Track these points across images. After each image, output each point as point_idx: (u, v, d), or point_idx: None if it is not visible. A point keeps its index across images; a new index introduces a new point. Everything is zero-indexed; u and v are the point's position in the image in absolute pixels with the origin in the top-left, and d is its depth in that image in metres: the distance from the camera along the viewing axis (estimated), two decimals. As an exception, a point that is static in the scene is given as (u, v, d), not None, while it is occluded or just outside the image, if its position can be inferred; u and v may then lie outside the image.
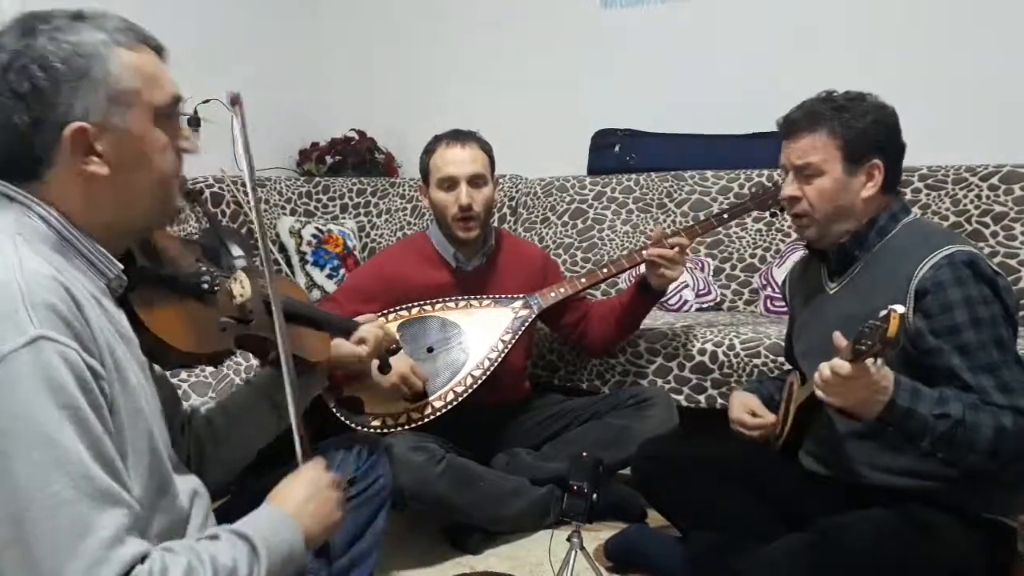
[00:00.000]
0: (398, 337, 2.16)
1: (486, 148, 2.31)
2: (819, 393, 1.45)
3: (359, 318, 1.61)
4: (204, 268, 1.20)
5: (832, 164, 1.65)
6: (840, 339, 1.42)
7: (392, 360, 2.08)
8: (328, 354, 1.45)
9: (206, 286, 1.18)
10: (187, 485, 1.08)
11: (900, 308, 1.29)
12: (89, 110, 0.97)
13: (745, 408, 1.86)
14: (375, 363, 2.06)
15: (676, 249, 2.22)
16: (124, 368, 0.96)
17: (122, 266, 1.03)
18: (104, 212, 1.01)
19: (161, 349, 1.08)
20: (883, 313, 1.29)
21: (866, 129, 1.63)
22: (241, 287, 1.22)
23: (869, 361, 1.37)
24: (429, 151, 2.31)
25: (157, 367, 1.20)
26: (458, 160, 2.24)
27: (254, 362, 1.88)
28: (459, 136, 2.29)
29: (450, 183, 2.24)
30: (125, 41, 1.01)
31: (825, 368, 1.42)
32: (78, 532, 0.83)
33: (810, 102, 1.69)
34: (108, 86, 0.98)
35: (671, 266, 2.22)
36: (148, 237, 1.14)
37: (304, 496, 1.09)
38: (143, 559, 0.86)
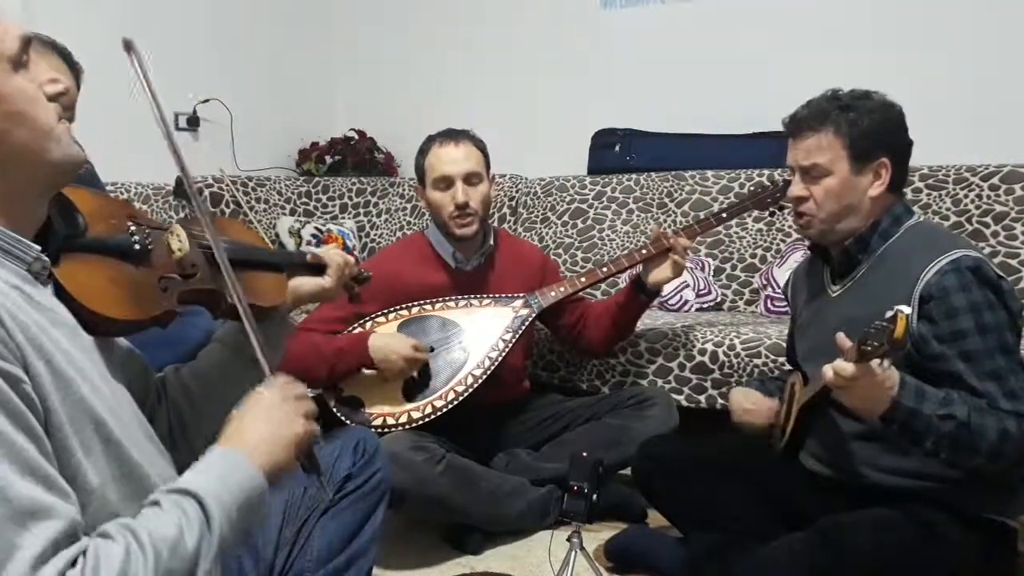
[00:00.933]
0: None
1: (480, 146, 2.30)
2: (831, 384, 1.44)
3: (318, 250, 1.53)
4: (134, 226, 1.10)
5: (839, 164, 1.63)
6: (844, 340, 1.41)
7: (392, 343, 2.09)
8: (284, 296, 1.36)
9: (138, 246, 1.08)
10: (160, 468, 1.01)
11: (906, 309, 1.28)
12: None
13: (747, 398, 1.88)
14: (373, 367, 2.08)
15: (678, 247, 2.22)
16: (57, 362, 0.88)
17: (39, 247, 0.94)
18: (1, 189, 0.91)
19: (99, 321, 0.99)
20: (889, 314, 1.29)
21: (872, 127, 1.62)
22: (178, 240, 1.14)
23: (875, 362, 1.36)
24: (423, 151, 2.30)
25: (124, 345, 1.15)
26: (452, 159, 2.24)
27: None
28: (452, 135, 2.28)
29: (446, 182, 2.23)
30: None
31: (828, 370, 1.42)
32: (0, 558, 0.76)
33: (816, 100, 1.68)
34: None
35: (673, 265, 2.22)
36: (66, 201, 1.04)
37: (252, 424, 1.00)
38: (74, 563, 0.80)
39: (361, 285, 1.58)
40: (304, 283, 1.43)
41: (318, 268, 1.46)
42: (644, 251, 2.28)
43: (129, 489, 0.94)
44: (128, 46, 1.06)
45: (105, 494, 0.90)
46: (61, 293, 0.98)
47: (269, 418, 1.01)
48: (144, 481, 0.96)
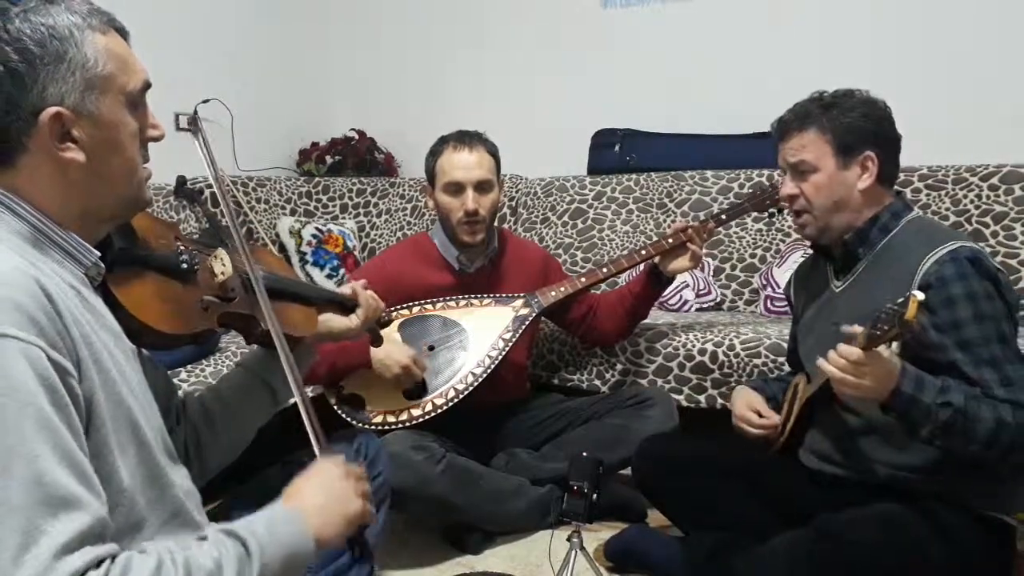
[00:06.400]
0: (399, 336, 2.18)
1: (492, 151, 2.29)
2: (833, 372, 1.45)
3: (349, 285, 1.57)
4: (182, 247, 1.18)
5: (825, 159, 1.68)
6: (852, 328, 1.43)
7: (393, 350, 2.09)
8: (314, 328, 1.42)
9: (185, 265, 1.15)
10: (181, 479, 1.05)
11: (920, 294, 1.31)
12: (65, 95, 0.94)
13: (750, 407, 1.86)
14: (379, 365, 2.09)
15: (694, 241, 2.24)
16: (104, 360, 0.93)
17: (99, 253, 1.01)
18: (77, 201, 0.98)
19: (143, 331, 1.06)
20: (901, 299, 1.32)
21: (855, 122, 1.66)
22: (221, 264, 1.20)
23: (883, 347, 1.38)
24: (435, 153, 2.29)
25: (145, 354, 1.18)
26: (465, 165, 2.23)
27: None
28: (466, 139, 2.27)
29: (456, 188, 2.23)
30: (97, 24, 0.98)
31: (833, 354, 1.44)
32: (24, 541, 0.78)
33: (800, 103, 1.74)
34: (85, 70, 0.95)
35: (692, 256, 2.24)
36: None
37: (311, 491, 1.04)
38: (99, 564, 0.81)
39: (384, 328, 1.65)
40: (332, 319, 1.49)
41: (347, 307, 1.52)
42: (644, 252, 2.30)
43: (155, 494, 0.98)
44: (193, 122, 1.19)
45: (135, 495, 0.94)
46: (109, 301, 1.03)
47: (328, 489, 1.05)
48: (169, 489, 1.00)
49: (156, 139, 1.06)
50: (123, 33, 1.03)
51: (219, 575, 0.88)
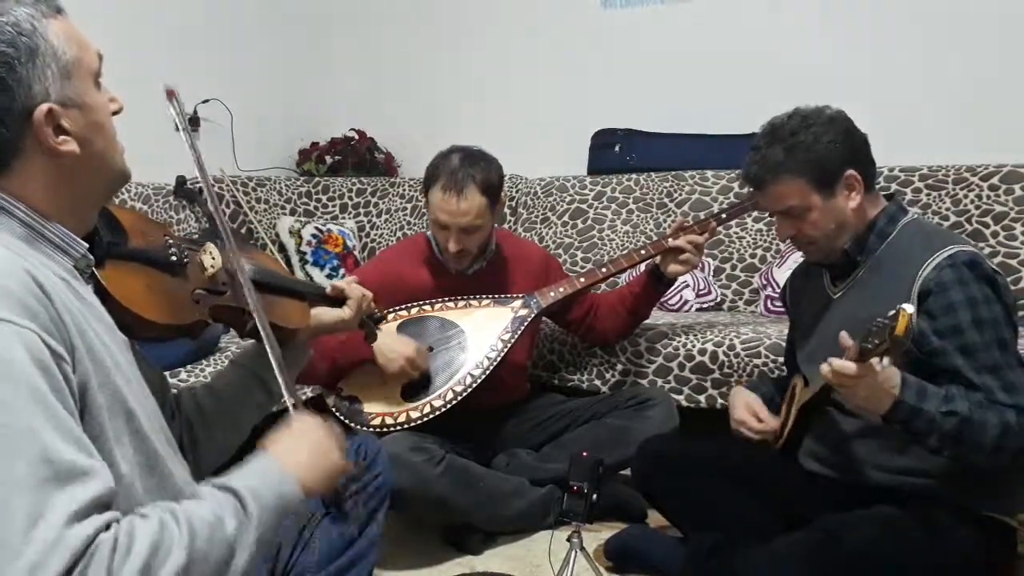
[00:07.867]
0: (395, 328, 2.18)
1: (487, 189, 2.16)
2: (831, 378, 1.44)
3: (339, 282, 1.58)
4: (172, 241, 1.19)
5: (811, 198, 1.65)
6: (846, 339, 1.42)
7: (396, 344, 2.09)
8: (307, 322, 1.43)
9: (175, 258, 1.16)
10: (179, 470, 1.05)
11: (909, 307, 1.29)
12: (48, 90, 0.94)
13: (749, 409, 1.85)
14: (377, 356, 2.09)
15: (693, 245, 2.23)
16: (97, 349, 0.93)
17: (87, 244, 1.01)
18: (70, 190, 0.98)
19: (135, 322, 1.06)
20: (892, 312, 1.30)
21: (824, 153, 1.63)
22: (211, 258, 1.21)
23: (874, 360, 1.37)
24: (429, 179, 2.20)
25: (138, 349, 1.18)
26: (452, 211, 2.14)
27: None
28: (456, 184, 2.14)
29: (444, 226, 2.19)
30: (47, 11, 0.97)
31: (825, 367, 1.43)
32: (33, 517, 0.78)
33: (760, 149, 1.68)
34: (56, 60, 0.95)
35: (691, 258, 2.23)
36: (111, 214, 1.12)
37: (295, 445, 1.05)
38: (108, 527, 0.82)
39: (378, 324, 1.66)
40: (324, 312, 1.50)
41: (338, 301, 1.53)
42: (644, 251, 2.30)
43: (153, 482, 0.98)
44: (170, 94, 1.17)
45: (133, 482, 0.93)
46: (101, 294, 1.03)
47: (311, 444, 1.07)
48: (168, 478, 1.00)
49: (118, 111, 1.05)
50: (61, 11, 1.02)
51: (220, 527, 0.89)
